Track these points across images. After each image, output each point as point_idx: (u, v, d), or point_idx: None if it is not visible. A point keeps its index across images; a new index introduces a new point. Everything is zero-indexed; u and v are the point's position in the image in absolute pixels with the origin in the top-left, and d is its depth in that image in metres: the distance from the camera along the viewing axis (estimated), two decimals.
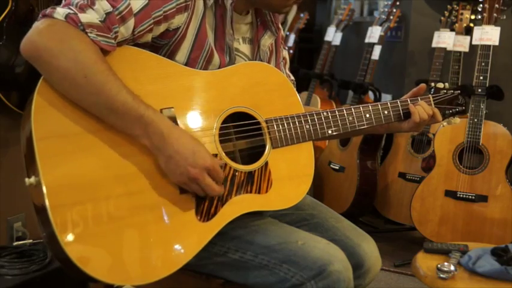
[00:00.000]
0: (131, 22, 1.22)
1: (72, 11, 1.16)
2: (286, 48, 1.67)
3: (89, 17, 1.17)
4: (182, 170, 1.19)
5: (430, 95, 1.58)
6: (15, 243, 2.11)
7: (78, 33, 1.15)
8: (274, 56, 1.58)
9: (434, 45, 3.22)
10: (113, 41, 1.20)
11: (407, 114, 1.53)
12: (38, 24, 1.16)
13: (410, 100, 1.54)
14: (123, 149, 1.19)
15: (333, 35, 3.96)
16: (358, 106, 1.49)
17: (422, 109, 1.52)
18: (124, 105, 1.16)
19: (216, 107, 1.33)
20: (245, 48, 1.48)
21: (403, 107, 1.53)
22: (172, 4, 1.27)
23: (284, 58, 1.64)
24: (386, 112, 1.51)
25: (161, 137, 1.18)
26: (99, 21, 1.17)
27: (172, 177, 1.21)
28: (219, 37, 1.38)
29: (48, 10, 1.17)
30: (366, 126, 1.49)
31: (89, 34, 1.16)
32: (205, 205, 1.26)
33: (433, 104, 1.57)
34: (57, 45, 1.14)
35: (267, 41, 1.51)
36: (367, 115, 1.49)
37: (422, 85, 1.57)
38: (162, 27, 1.29)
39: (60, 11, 1.16)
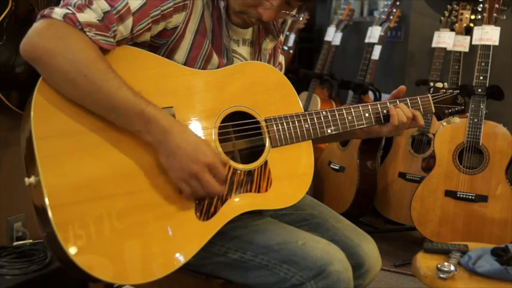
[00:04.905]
0: (129, 21, 1.22)
1: (70, 11, 1.16)
2: (284, 50, 1.67)
3: (87, 16, 1.17)
4: (183, 165, 1.18)
5: (429, 95, 1.59)
6: (15, 243, 2.10)
7: (76, 32, 1.15)
8: (272, 60, 1.58)
9: (434, 45, 3.22)
10: (112, 40, 1.20)
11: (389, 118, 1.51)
12: (37, 25, 1.16)
13: (389, 103, 1.53)
14: (124, 148, 1.19)
15: (333, 35, 3.96)
16: (357, 105, 1.49)
17: (401, 111, 1.50)
18: (124, 102, 1.16)
19: (215, 107, 1.33)
20: (244, 50, 1.48)
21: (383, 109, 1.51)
22: (169, 3, 1.28)
23: (280, 63, 1.64)
24: (383, 112, 1.51)
25: (163, 132, 1.18)
26: (98, 20, 1.18)
27: (172, 173, 1.20)
28: (216, 38, 1.38)
29: (47, 11, 1.17)
30: (365, 126, 1.49)
31: (88, 33, 1.16)
32: (205, 204, 1.26)
33: (432, 104, 1.57)
34: (56, 45, 1.14)
35: (268, 44, 1.51)
36: (367, 114, 1.49)
37: (402, 87, 1.55)
38: (160, 26, 1.29)
39: (58, 11, 1.16)
